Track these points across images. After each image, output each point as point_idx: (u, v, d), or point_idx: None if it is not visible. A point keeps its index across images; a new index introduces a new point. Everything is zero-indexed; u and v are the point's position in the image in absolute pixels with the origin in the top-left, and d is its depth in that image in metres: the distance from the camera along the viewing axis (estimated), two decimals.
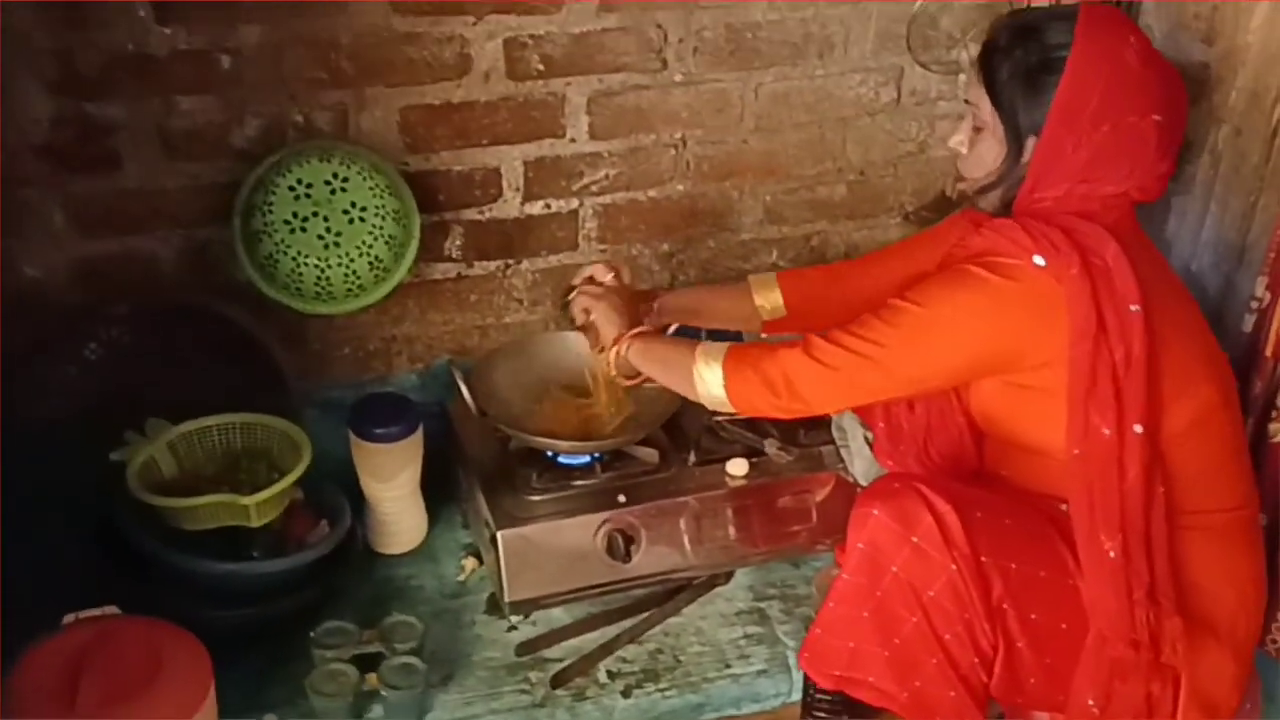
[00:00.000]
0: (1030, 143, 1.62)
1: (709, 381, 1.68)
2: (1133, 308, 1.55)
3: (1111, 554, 1.56)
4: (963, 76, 2.30)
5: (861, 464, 2.00)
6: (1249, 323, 1.90)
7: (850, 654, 1.63)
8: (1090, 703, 1.60)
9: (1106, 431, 1.55)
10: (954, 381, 1.68)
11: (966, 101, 1.70)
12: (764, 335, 2.06)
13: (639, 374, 1.80)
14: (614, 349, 1.78)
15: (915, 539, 1.56)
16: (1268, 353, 1.86)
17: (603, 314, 1.82)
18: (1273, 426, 1.84)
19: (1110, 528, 1.56)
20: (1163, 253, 2.13)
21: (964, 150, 1.70)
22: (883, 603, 1.59)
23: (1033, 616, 1.59)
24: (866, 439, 2.00)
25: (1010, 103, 1.61)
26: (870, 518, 1.59)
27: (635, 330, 1.79)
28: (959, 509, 1.57)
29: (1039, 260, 1.55)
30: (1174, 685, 1.59)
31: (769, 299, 1.97)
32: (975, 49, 2.22)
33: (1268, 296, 1.88)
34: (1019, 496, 1.69)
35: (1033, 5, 2.01)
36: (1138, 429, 1.55)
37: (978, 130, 1.67)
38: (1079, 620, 1.60)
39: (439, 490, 2.14)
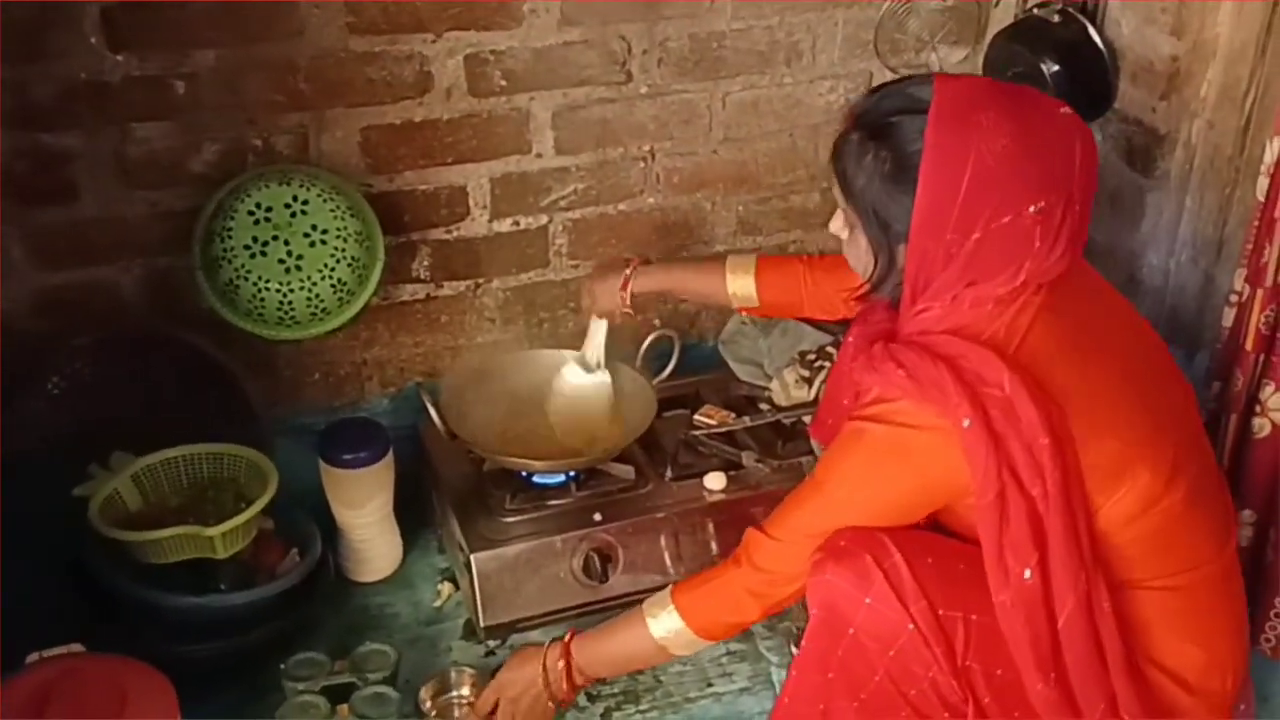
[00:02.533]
0: (901, 249, 1.46)
1: (668, 629, 1.61)
2: (1042, 441, 1.40)
3: (1040, 689, 1.48)
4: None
5: None
6: (1229, 316, 1.87)
7: (821, 715, 1.59)
8: None
9: (1027, 575, 1.44)
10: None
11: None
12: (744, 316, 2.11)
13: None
14: (560, 675, 1.68)
15: (869, 600, 1.50)
16: (1248, 346, 1.83)
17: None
18: (1257, 422, 1.81)
19: (1044, 668, 1.48)
20: (1139, 250, 2.13)
21: (844, 236, 1.55)
22: (844, 662, 1.54)
23: (998, 673, 1.53)
24: None
25: (870, 211, 1.46)
26: (824, 583, 1.52)
27: (563, 643, 1.69)
28: (909, 557, 1.50)
29: (931, 411, 1.42)
30: None
31: (743, 287, 1.91)
32: (945, 52, 2.23)
33: (1247, 290, 1.85)
34: (975, 550, 1.55)
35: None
36: (1064, 560, 1.44)
37: (852, 227, 1.52)
38: None
39: (414, 515, 2.11)
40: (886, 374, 1.46)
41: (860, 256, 1.52)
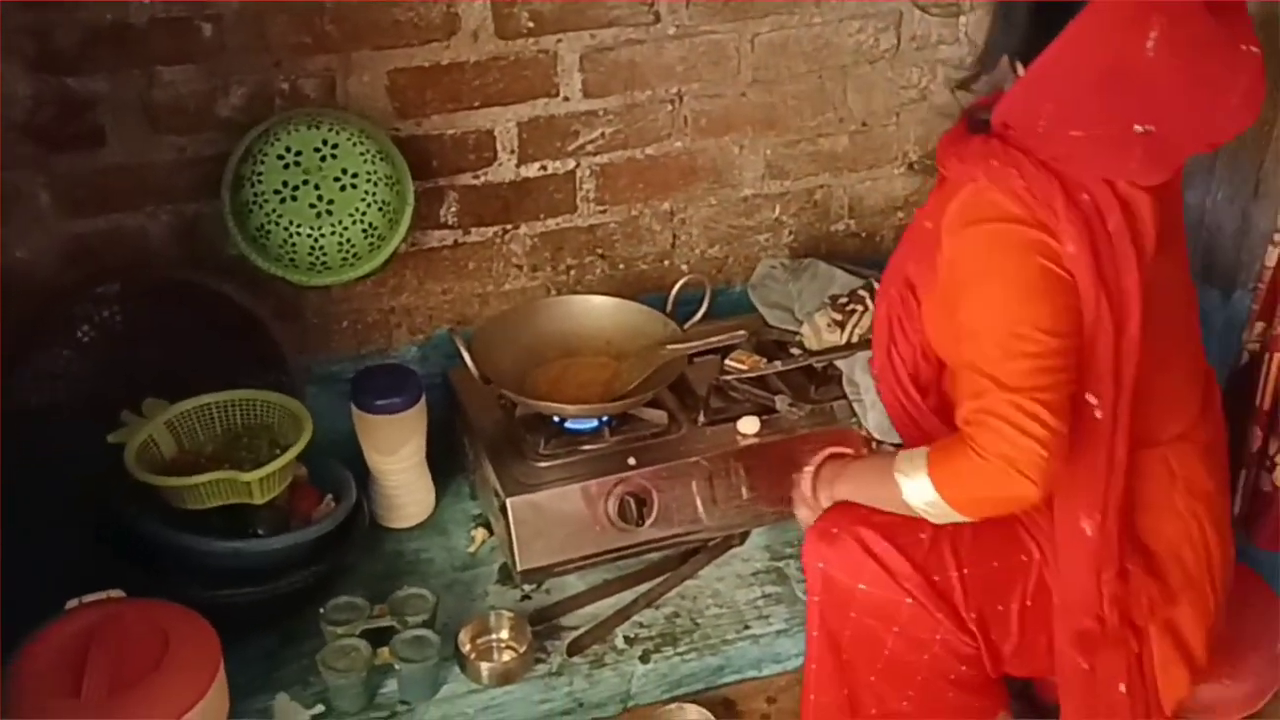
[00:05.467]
0: (1003, 61, 1.49)
1: (919, 493, 1.50)
2: (1132, 279, 1.45)
3: (1088, 533, 1.52)
4: (963, 19, 2.25)
5: (875, 417, 1.95)
6: (1271, 256, 1.86)
7: (849, 700, 1.62)
8: (1082, 664, 1.59)
9: (1099, 414, 1.48)
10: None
11: None
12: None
13: None
14: (818, 498, 1.67)
15: (863, 585, 1.55)
16: None
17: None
18: None
19: (1091, 508, 1.52)
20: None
21: None
22: (854, 641, 1.59)
23: (999, 608, 1.58)
24: (879, 393, 1.96)
25: (1005, 12, 1.48)
26: (817, 571, 1.58)
27: (821, 462, 1.68)
28: (898, 540, 1.54)
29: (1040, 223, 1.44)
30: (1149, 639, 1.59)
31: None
32: None
33: None
34: None
35: None
36: (1129, 407, 1.48)
37: None
38: (1041, 593, 1.59)
39: (445, 463, 2.10)
40: (1006, 179, 1.44)
41: (977, 36, 1.57)
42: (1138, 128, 1.40)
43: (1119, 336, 1.45)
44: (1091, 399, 1.47)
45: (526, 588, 1.93)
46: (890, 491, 1.53)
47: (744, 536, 2.02)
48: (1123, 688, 1.58)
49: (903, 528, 1.55)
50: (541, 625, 1.86)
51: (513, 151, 2.11)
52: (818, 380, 2.07)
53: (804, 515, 1.71)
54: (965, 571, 1.56)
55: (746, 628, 1.88)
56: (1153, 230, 1.47)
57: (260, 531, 1.81)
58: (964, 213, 1.49)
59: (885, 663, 1.59)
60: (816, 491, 1.68)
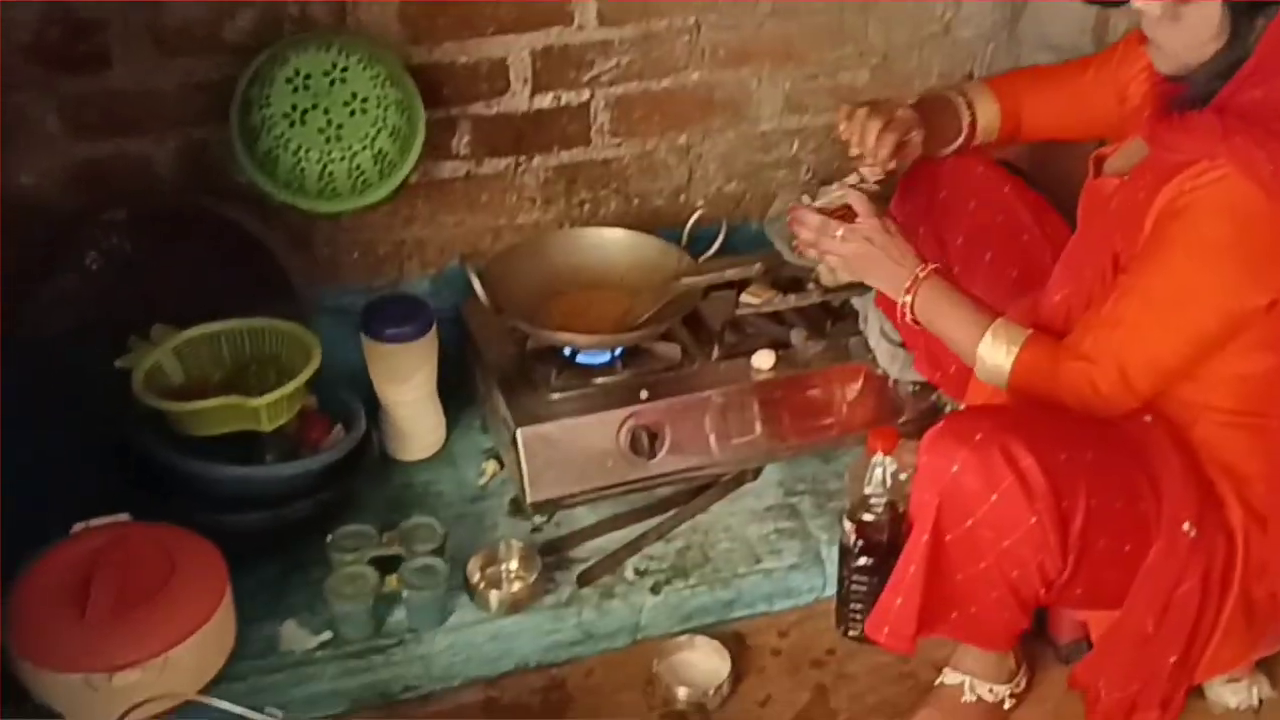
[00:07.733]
0: (1260, 23, 1.39)
1: (992, 366, 1.57)
2: None
3: (1192, 534, 1.53)
4: None
5: (883, 355, 1.94)
6: None
7: (920, 608, 1.56)
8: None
9: None
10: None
11: None
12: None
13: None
14: (908, 295, 1.62)
15: (995, 496, 1.47)
16: None
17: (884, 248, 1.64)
18: None
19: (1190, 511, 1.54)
20: None
21: (1155, 13, 1.43)
22: (953, 546, 1.52)
23: (1101, 544, 1.53)
24: (883, 330, 1.93)
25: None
26: (949, 477, 1.48)
27: (925, 272, 1.62)
28: (1042, 458, 1.47)
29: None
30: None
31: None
32: None
33: None
34: (1101, 422, 1.56)
35: None
36: None
37: None
38: (1141, 542, 1.55)
39: (456, 397, 2.08)
40: (1251, 164, 1.39)
41: (1198, 31, 1.43)
42: None
43: None
44: None
45: (537, 520, 1.92)
46: (965, 331, 1.59)
47: (757, 472, 2.00)
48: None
49: (1046, 442, 1.49)
50: (551, 557, 1.85)
51: (526, 81, 2.07)
52: (834, 316, 2.04)
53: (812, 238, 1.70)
54: (1092, 502, 1.50)
55: (758, 562, 1.86)
56: None
57: (269, 458, 1.80)
58: (1203, 199, 1.43)
59: (969, 575, 1.53)
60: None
